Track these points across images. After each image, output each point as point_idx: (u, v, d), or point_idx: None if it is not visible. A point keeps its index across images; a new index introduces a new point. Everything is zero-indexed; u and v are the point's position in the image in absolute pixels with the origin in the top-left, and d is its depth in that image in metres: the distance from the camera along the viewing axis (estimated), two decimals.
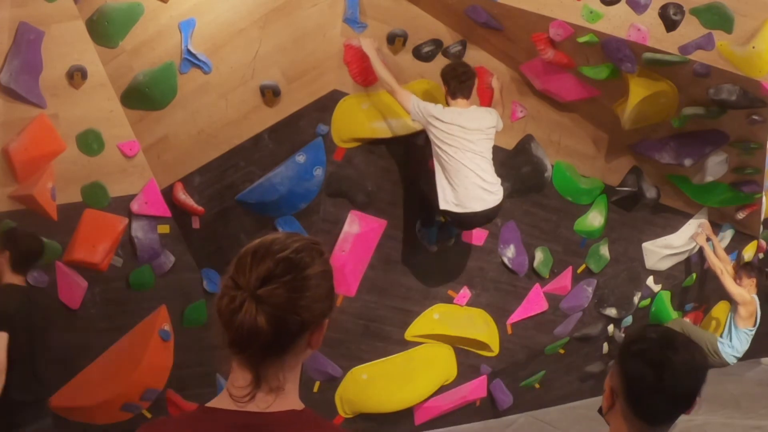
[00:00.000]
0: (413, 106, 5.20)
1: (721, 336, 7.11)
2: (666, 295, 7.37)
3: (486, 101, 5.74)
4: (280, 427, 1.53)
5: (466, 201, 5.25)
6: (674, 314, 7.39)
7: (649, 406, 2.08)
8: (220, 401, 1.58)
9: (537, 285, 6.59)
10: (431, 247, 5.90)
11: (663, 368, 2.05)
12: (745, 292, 7.03)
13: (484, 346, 6.43)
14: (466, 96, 5.32)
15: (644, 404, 2.08)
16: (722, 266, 7.07)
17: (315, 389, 5.90)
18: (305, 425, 1.57)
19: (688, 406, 2.11)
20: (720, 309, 7.76)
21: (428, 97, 5.50)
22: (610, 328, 7.18)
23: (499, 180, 5.40)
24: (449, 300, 6.25)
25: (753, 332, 7.10)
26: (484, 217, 5.44)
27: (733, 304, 7.10)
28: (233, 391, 1.56)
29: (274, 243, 1.57)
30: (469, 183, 5.21)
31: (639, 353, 2.10)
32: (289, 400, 1.58)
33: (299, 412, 1.58)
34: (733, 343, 7.02)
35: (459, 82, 5.29)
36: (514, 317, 6.56)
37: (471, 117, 5.25)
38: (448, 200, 5.27)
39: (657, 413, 2.10)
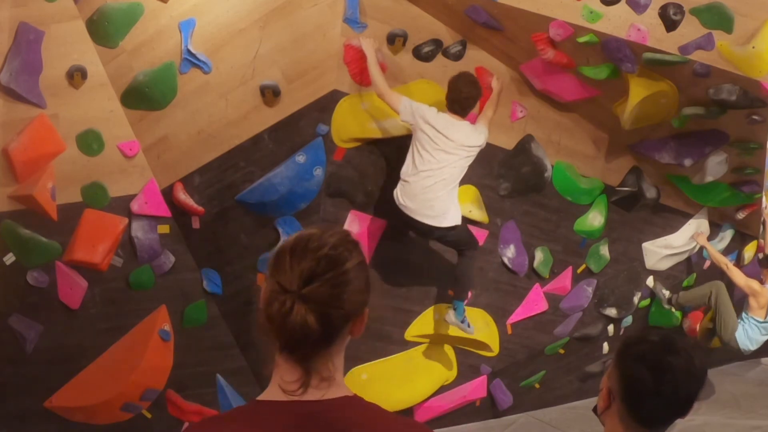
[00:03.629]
0: (404, 107, 5.23)
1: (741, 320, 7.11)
2: None
3: (483, 101, 5.75)
4: (339, 412, 1.61)
5: (409, 202, 5.34)
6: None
7: (647, 410, 2.07)
8: (272, 395, 1.63)
9: (537, 285, 6.59)
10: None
11: (663, 372, 2.04)
12: (754, 283, 7.01)
13: (484, 346, 6.42)
14: (461, 116, 5.38)
15: (642, 407, 2.07)
16: (726, 260, 7.06)
17: None
18: (361, 409, 1.64)
19: (685, 410, 2.10)
20: None
21: (427, 97, 5.50)
22: (610, 328, 7.18)
23: (456, 208, 5.43)
24: (449, 300, 6.25)
25: (766, 324, 7.07)
26: (422, 229, 5.49)
27: (746, 297, 7.08)
28: (285, 386, 1.60)
29: (311, 240, 1.60)
30: (417, 189, 5.29)
31: (639, 356, 2.08)
32: (340, 387, 1.65)
33: (351, 397, 1.65)
34: (746, 330, 7.03)
35: (461, 103, 5.36)
36: (514, 317, 6.56)
37: (459, 130, 5.31)
38: (398, 190, 5.38)
39: (654, 416, 2.09)
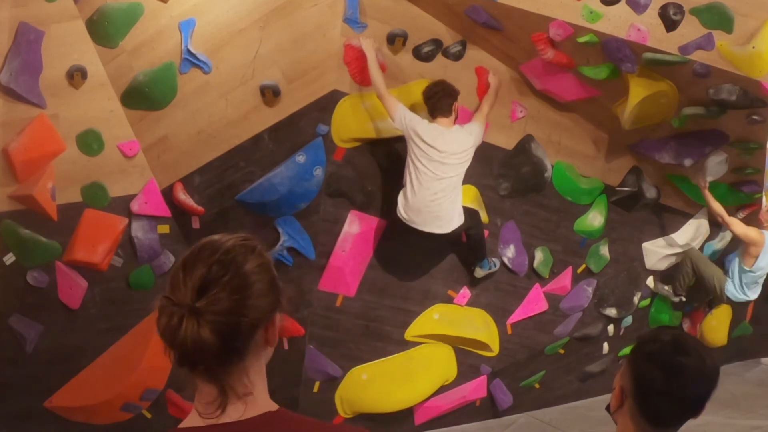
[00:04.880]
0: (399, 116, 5.28)
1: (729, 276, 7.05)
2: None
3: (481, 98, 5.75)
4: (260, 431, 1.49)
5: (414, 216, 5.41)
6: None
7: (658, 409, 2.07)
8: (192, 421, 1.52)
9: (537, 285, 6.59)
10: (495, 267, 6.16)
11: (674, 372, 2.04)
12: (752, 231, 6.84)
13: (484, 346, 6.43)
14: (445, 114, 5.41)
15: (653, 407, 2.07)
16: (723, 212, 6.78)
17: (315, 389, 5.90)
18: (285, 424, 1.53)
19: (697, 410, 2.10)
20: (721, 311, 7.73)
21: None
22: (610, 328, 7.18)
23: (459, 210, 5.50)
24: (449, 300, 6.25)
25: (755, 275, 6.97)
26: (430, 237, 5.52)
27: (742, 244, 6.98)
28: (201, 408, 1.49)
29: (203, 249, 1.49)
30: (422, 204, 5.35)
31: (650, 355, 2.09)
32: (261, 403, 1.53)
33: (274, 412, 1.53)
34: (735, 281, 6.98)
35: (433, 103, 5.40)
36: (514, 317, 6.56)
37: (450, 139, 5.34)
38: (401, 205, 5.44)
39: (665, 416, 2.10)
